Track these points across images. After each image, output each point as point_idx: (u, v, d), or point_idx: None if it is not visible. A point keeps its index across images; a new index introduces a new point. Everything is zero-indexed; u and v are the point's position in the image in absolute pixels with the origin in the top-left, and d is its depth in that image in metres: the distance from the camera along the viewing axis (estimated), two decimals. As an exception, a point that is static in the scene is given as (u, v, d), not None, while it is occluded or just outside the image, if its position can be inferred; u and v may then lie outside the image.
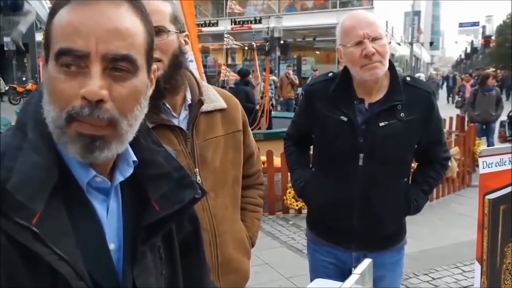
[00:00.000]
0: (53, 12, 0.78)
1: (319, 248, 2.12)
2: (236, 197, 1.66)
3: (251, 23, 22.27)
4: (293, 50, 21.99)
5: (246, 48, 15.93)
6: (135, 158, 0.87)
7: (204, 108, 1.54)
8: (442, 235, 5.03)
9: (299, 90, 16.93)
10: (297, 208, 5.79)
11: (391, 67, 1.92)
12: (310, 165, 2.20)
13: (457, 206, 6.06)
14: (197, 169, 1.50)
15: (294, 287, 3.89)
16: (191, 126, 1.51)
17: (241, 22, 23.32)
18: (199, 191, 0.94)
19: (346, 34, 1.86)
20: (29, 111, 0.83)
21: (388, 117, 1.87)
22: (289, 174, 5.54)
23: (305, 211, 5.68)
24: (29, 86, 22.43)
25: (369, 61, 1.80)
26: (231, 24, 23.52)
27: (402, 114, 1.87)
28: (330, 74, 2.07)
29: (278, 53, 17.87)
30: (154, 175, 0.90)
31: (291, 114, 9.35)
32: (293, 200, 5.72)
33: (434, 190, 6.09)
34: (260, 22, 21.79)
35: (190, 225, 1.05)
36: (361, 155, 1.89)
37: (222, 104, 1.60)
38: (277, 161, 5.79)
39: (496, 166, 1.87)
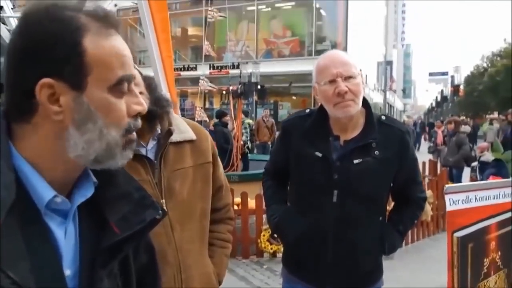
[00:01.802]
0: (74, 39, 0.77)
1: (294, 286, 2.08)
2: (204, 231, 1.63)
3: (229, 68, 22.61)
4: (270, 95, 22.33)
5: (223, 92, 16.16)
6: (95, 179, 0.87)
7: (173, 138, 1.52)
8: (418, 280, 5.00)
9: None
10: (271, 251, 5.70)
11: (367, 106, 1.96)
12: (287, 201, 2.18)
13: (432, 250, 6.08)
14: (163, 200, 1.48)
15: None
16: (160, 156, 1.49)
17: (219, 67, 23.70)
18: (160, 211, 0.94)
19: (321, 72, 1.90)
20: None
21: (362, 155, 1.88)
22: (264, 216, 5.50)
23: (279, 255, 5.61)
24: None
25: (342, 99, 1.83)
26: (210, 69, 23.87)
27: (376, 152, 1.89)
28: (307, 111, 2.10)
29: (255, 97, 18.09)
30: (113, 196, 0.89)
31: (268, 157, 9.41)
32: (267, 243, 5.63)
33: (409, 234, 6.11)
34: (238, 67, 22.11)
35: (146, 255, 1.04)
36: (335, 191, 1.89)
37: (192, 135, 1.59)
38: (252, 203, 5.75)
39: (462, 203, 1.91)
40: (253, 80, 18.15)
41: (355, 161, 1.88)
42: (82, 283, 0.84)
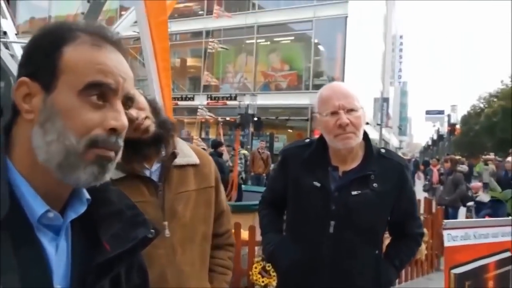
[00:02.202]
0: (54, 45, 0.82)
1: None
2: (205, 254, 1.63)
3: (226, 99, 22.83)
4: (266, 127, 22.47)
5: (220, 123, 16.25)
6: (88, 196, 0.88)
7: (177, 161, 1.55)
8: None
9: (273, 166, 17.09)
10: (262, 284, 5.58)
11: (366, 138, 1.97)
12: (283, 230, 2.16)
13: (426, 290, 5.97)
14: (166, 222, 1.48)
15: None
16: (163, 178, 1.51)
17: (216, 98, 23.89)
18: (152, 230, 0.93)
19: (323, 103, 1.91)
20: None
21: (361, 186, 1.88)
22: (256, 248, 5.42)
23: (271, 288, 5.49)
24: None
25: (343, 131, 1.83)
26: (207, 99, 24.06)
27: (375, 184, 1.88)
28: (307, 140, 2.11)
29: (251, 129, 18.19)
30: (105, 214, 0.90)
31: (262, 189, 9.34)
32: (259, 275, 5.52)
33: (403, 273, 6.01)
34: (235, 99, 22.39)
35: (139, 277, 1.02)
36: (332, 222, 1.88)
37: (195, 160, 1.61)
38: (245, 235, 5.65)
39: (461, 240, 1.85)
40: (250, 111, 18.35)
41: (353, 193, 1.88)
42: None
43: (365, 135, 1.96)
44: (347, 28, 23.39)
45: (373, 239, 1.97)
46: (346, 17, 23.20)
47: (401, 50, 57.72)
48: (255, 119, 18.01)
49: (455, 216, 8.99)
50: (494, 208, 8.40)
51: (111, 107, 0.82)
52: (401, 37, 59.38)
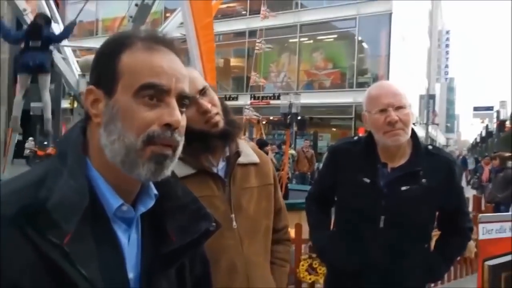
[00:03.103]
0: (114, 53, 0.90)
1: None
2: (267, 246, 1.72)
3: (270, 98, 22.90)
4: (310, 126, 22.38)
5: (264, 122, 16.31)
6: (156, 192, 0.95)
7: (240, 160, 1.65)
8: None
9: (320, 165, 17.06)
10: (310, 281, 5.69)
11: (414, 135, 2.01)
12: (331, 226, 2.22)
13: None
14: (233, 215, 1.59)
15: None
16: (229, 175, 1.62)
17: (260, 98, 24.03)
18: (214, 224, 1.01)
19: (372, 101, 1.97)
20: (69, 142, 0.91)
21: (410, 182, 1.93)
22: (303, 246, 5.44)
23: (318, 285, 5.58)
24: (50, 150, 22.90)
25: (392, 128, 1.88)
26: (251, 99, 24.22)
27: (424, 180, 1.93)
28: (355, 138, 2.18)
29: (295, 128, 18.20)
30: (172, 208, 0.97)
31: (307, 187, 9.41)
32: (306, 273, 5.62)
33: (452, 271, 5.93)
34: (278, 98, 22.40)
35: (201, 267, 1.09)
36: (382, 217, 1.93)
37: (256, 159, 1.72)
38: (292, 233, 5.77)
39: (496, 233, 1.96)
40: (294, 111, 18.40)
41: (403, 188, 1.92)
42: (142, 286, 0.91)
43: (413, 132, 1.98)
44: (392, 25, 22.90)
45: (422, 234, 2.01)
46: (391, 13, 22.74)
47: (447, 45, 55.89)
48: (299, 118, 18.00)
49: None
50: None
51: (166, 105, 0.87)
52: (447, 32, 57.54)
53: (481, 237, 1.93)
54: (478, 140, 60.39)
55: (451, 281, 5.94)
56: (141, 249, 0.93)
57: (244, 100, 21.31)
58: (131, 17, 8.74)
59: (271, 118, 15.36)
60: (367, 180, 1.96)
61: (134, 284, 0.91)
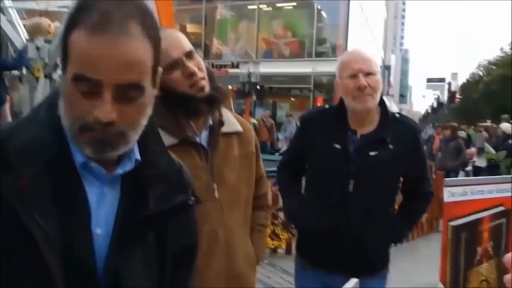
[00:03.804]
0: (67, 29, 0.86)
1: (307, 273, 2.19)
2: (248, 215, 1.75)
3: (228, 67, 22.70)
4: (268, 95, 22.45)
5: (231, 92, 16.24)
6: (138, 157, 0.96)
7: (223, 129, 1.64)
8: (411, 276, 5.17)
9: (279, 135, 17.25)
10: (272, 247, 5.84)
11: (382, 103, 2.09)
12: (302, 192, 2.30)
13: (425, 250, 6.25)
14: (215, 185, 1.60)
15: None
16: (212, 145, 1.61)
17: (218, 66, 23.79)
18: (193, 198, 1.03)
19: (343, 67, 2.04)
20: (45, 101, 0.94)
21: (378, 148, 2.01)
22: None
23: (280, 250, 5.75)
24: None
25: (361, 93, 1.96)
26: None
27: (390, 146, 2.02)
28: (326, 106, 2.25)
29: (254, 97, 18.21)
30: (153, 175, 0.97)
31: (267, 156, 9.49)
32: (269, 239, 5.77)
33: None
34: (237, 66, 22.26)
35: (186, 241, 1.08)
36: (352, 181, 2.01)
37: (239, 128, 1.72)
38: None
39: (460, 196, 2.06)
40: (253, 80, 18.34)
41: (371, 154, 2.01)
42: (112, 243, 0.91)
43: (381, 100, 2.07)
44: (350, -5, 23.06)
45: (388, 197, 2.11)
46: (349, -17, 22.85)
47: (403, 17, 56.86)
48: (258, 87, 17.99)
49: (456, 181, 9.26)
50: (490, 172, 8.68)
51: (99, 98, 0.84)
52: (403, 3, 58.39)
53: (446, 199, 2.01)
54: (429, 111, 62.46)
55: (403, 243, 6.24)
56: (117, 209, 0.94)
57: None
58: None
59: (229, 87, 15.26)
60: (338, 146, 2.02)
61: (102, 240, 0.91)
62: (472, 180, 2.15)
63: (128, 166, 0.94)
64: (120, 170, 0.94)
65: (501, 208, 2.18)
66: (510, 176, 2.23)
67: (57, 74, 7.35)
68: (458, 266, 2.06)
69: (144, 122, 0.92)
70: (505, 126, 10.37)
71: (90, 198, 0.90)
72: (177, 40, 1.53)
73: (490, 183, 2.17)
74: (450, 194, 2.06)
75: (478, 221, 2.11)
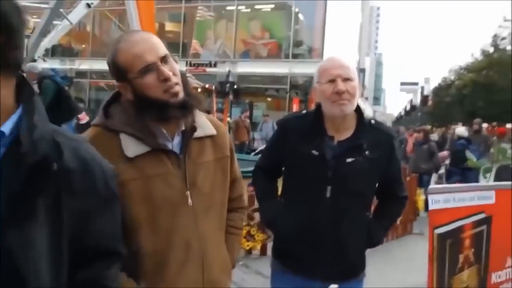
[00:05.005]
0: None
1: (284, 278, 2.18)
2: (222, 219, 1.73)
3: (206, 66, 22.61)
4: (245, 95, 22.46)
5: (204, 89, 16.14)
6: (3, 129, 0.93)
7: (196, 134, 1.60)
8: (385, 279, 5.23)
9: (255, 134, 17.27)
10: (247, 248, 5.82)
11: (359, 109, 2.12)
12: (279, 197, 2.29)
13: (399, 252, 6.35)
14: (188, 192, 1.56)
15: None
16: (184, 151, 1.57)
17: (196, 65, 23.64)
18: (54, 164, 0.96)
19: (322, 72, 2.06)
20: None
21: (354, 154, 2.04)
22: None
23: (255, 251, 5.73)
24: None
25: (339, 97, 1.98)
26: (186, 66, 23.77)
27: (367, 152, 2.04)
28: (304, 112, 2.27)
29: (231, 97, 18.19)
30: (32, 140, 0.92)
31: (244, 156, 9.50)
32: (243, 240, 5.75)
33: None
34: (215, 66, 22.21)
35: (80, 203, 1.01)
36: (329, 187, 2.03)
37: (212, 131, 1.68)
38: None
39: (443, 203, 2.11)
40: (231, 79, 18.28)
41: (348, 160, 2.02)
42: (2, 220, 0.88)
43: (358, 107, 2.10)
44: (327, -2, 23.27)
45: (364, 203, 2.14)
46: (327, -14, 23.04)
47: (377, 21, 57.73)
48: (235, 87, 17.97)
49: (429, 183, 9.40)
50: (464, 176, 8.88)
51: None
52: (378, 8, 59.29)
53: (430, 207, 2.07)
54: (402, 113, 63.50)
55: (384, 244, 6.34)
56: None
57: (179, 67, 20.84)
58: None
59: (207, 86, 15.17)
60: (316, 153, 2.04)
61: None
62: (454, 188, 2.22)
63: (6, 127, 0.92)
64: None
65: (482, 215, 2.25)
66: (490, 183, 2.30)
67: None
68: (443, 273, 2.11)
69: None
70: (460, 130, 10.66)
71: None
72: (153, 44, 1.50)
73: (472, 190, 2.24)
74: (434, 201, 2.13)
75: (461, 228, 2.18)
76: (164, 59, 1.49)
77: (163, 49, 1.51)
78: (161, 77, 1.47)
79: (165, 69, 1.48)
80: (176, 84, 1.50)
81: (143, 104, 1.48)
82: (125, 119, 1.51)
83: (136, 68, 1.45)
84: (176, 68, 1.54)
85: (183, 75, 1.58)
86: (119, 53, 1.48)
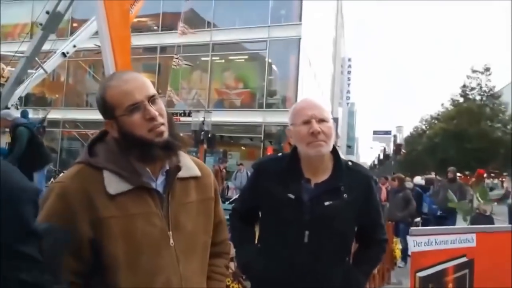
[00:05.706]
0: None
1: None
2: (205, 263, 1.67)
3: (180, 115, 22.68)
4: (219, 144, 22.49)
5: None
6: None
7: (180, 174, 1.59)
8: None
9: (229, 183, 17.19)
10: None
11: (335, 151, 2.08)
12: (256, 241, 2.22)
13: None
14: (170, 232, 1.52)
15: None
16: (168, 190, 1.55)
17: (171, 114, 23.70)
18: None
19: (297, 114, 2.04)
20: None
21: (332, 197, 1.99)
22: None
23: (231, 302, 5.52)
24: None
25: (315, 138, 1.95)
26: (160, 115, 23.73)
27: (345, 195, 2.00)
28: (279, 154, 2.22)
29: (205, 146, 18.20)
30: None
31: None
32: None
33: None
34: (189, 115, 22.31)
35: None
36: (307, 232, 1.97)
37: (197, 172, 1.67)
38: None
39: (424, 245, 2.04)
40: (205, 128, 18.37)
41: (326, 203, 1.98)
42: None
43: (334, 148, 2.08)
44: (300, 50, 23.93)
45: (344, 246, 2.08)
46: (299, 38, 23.73)
47: (349, 72, 59.59)
48: (209, 136, 18.04)
49: (407, 231, 9.35)
50: (441, 223, 8.88)
51: None
52: (349, 59, 61.35)
53: (412, 249, 2.00)
54: (376, 162, 64.43)
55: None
56: None
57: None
58: (41, 24, 8.42)
59: (181, 135, 15.18)
60: (292, 196, 2.00)
61: None
62: (436, 230, 2.15)
63: None
64: None
65: (464, 259, 2.18)
66: (471, 226, 2.25)
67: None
68: (426, 319, 2.03)
69: None
70: (417, 179, 10.81)
71: None
72: (143, 84, 1.52)
73: (453, 233, 2.18)
74: (416, 243, 2.06)
75: (443, 272, 2.10)
76: (152, 99, 1.51)
77: (152, 89, 1.54)
78: (147, 116, 1.48)
79: (152, 109, 1.49)
80: (162, 124, 1.52)
81: (128, 142, 1.49)
82: (110, 156, 1.51)
83: (124, 105, 1.47)
84: (163, 109, 1.55)
85: (169, 116, 1.59)
86: (108, 89, 1.49)
